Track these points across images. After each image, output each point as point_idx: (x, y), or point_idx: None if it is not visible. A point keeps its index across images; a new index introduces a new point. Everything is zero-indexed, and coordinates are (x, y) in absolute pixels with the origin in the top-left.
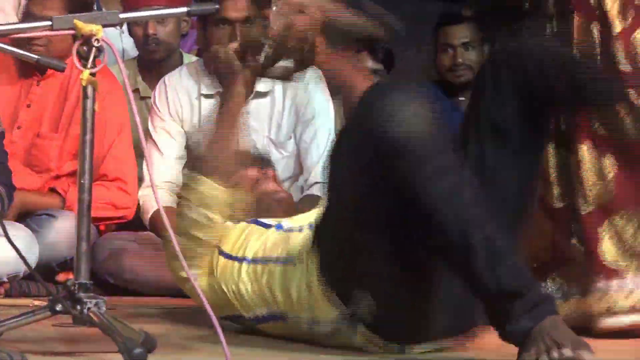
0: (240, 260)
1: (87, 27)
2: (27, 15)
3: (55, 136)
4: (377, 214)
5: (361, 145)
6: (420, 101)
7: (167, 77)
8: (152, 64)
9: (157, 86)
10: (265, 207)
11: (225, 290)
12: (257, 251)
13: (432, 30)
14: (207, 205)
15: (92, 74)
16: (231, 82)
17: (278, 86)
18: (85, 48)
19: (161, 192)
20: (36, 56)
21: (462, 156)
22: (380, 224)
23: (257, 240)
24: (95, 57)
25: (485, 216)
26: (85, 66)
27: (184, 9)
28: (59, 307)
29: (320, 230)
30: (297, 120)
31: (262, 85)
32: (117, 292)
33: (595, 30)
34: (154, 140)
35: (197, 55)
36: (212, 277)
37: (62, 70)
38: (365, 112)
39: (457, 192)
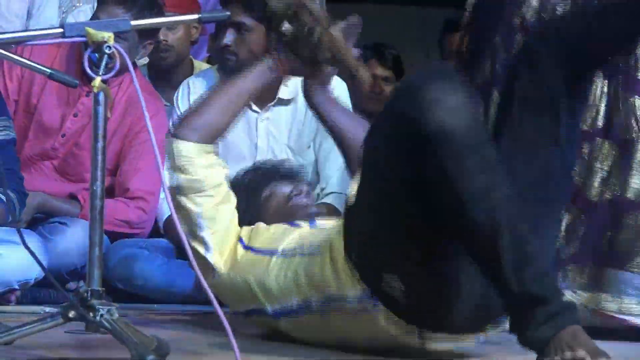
0: (271, 253)
1: (98, 34)
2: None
3: None
4: (409, 201)
5: (400, 129)
6: (465, 92)
7: (191, 80)
8: (163, 70)
9: (181, 88)
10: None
11: (251, 282)
12: (288, 243)
13: (439, 37)
14: (182, 168)
15: (104, 81)
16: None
17: (301, 95)
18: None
19: None
20: (48, 70)
21: (498, 152)
22: (411, 212)
23: (288, 235)
24: (107, 64)
25: (516, 218)
26: (97, 73)
27: (195, 16)
28: (71, 314)
29: (350, 212)
30: (318, 129)
31: (285, 92)
32: (127, 298)
33: None
34: None
35: (208, 62)
36: (234, 269)
37: (74, 86)
38: (409, 96)
39: (493, 190)
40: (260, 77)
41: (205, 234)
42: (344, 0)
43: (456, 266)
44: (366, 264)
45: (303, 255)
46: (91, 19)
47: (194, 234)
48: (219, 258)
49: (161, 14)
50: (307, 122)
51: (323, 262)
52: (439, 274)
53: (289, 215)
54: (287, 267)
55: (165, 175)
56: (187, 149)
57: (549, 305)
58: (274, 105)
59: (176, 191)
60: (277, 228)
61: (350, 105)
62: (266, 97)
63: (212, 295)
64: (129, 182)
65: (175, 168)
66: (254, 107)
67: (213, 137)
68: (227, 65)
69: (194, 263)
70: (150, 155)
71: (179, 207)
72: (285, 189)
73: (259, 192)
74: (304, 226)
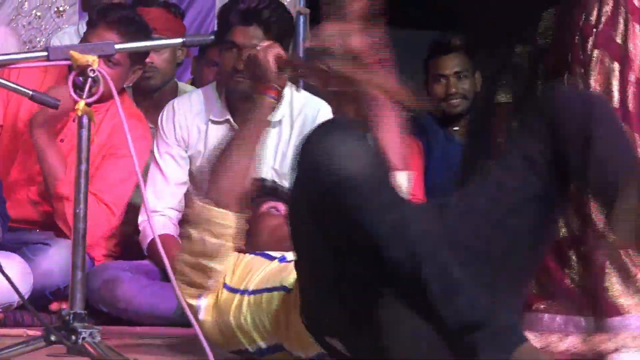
0: (242, 292)
1: (83, 58)
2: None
3: None
4: (336, 257)
5: (309, 188)
6: (359, 139)
7: (175, 101)
8: (148, 92)
9: (165, 110)
10: (267, 240)
11: (230, 323)
12: (258, 283)
13: (423, 61)
14: (217, 234)
15: (88, 104)
16: (255, 105)
17: (287, 117)
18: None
19: (164, 219)
20: (30, 92)
21: (398, 194)
22: (340, 268)
23: (259, 272)
24: (90, 88)
25: (437, 249)
26: (81, 96)
27: (179, 40)
28: (53, 337)
29: (297, 272)
30: None
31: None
32: (111, 321)
33: (617, 72)
34: (158, 165)
35: (192, 84)
36: (215, 310)
37: (55, 107)
38: (306, 155)
39: (405, 226)
40: (266, 115)
41: (210, 284)
42: None
43: (395, 315)
44: (314, 325)
45: (272, 292)
46: (81, 42)
47: (199, 281)
48: (209, 302)
49: (149, 38)
50: (292, 143)
51: (291, 307)
52: (377, 328)
53: (263, 236)
54: (258, 305)
55: (190, 233)
56: (225, 219)
57: (487, 328)
58: None
59: (199, 252)
60: (252, 260)
61: None
62: None
63: (193, 320)
64: (97, 189)
65: (206, 231)
66: None
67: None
68: (238, 89)
69: (177, 288)
70: (124, 171)
71: (199, 268)
72: (280, 207)
73: (256, 208)
74: (277, 259)
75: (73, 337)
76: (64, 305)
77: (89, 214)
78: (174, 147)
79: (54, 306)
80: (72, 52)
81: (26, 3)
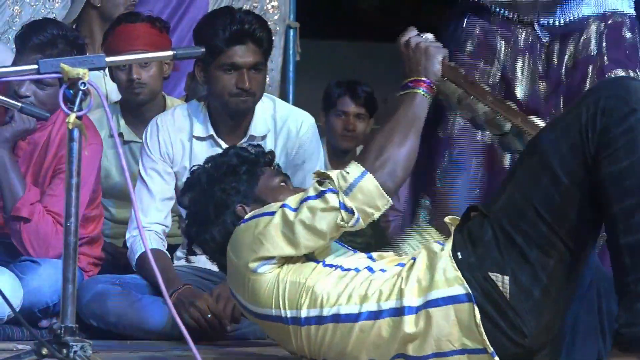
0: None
1: (73, 71)
2: None
3: None
4: (576, 193)
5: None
6: None
7: (159, 118)
8: (136, 107)
9: (149, 126)
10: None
11: (301, 283)
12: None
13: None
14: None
15: (79, 117)
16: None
17: (271, 132)
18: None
19: (150, 234)
20: (19, 104)
21: None
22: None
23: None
24: (81, 101)
25: None
26: (72, 109)
27: (170, 52)
28: (44, 351)
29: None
30: (287, 165)
31: (256, 129)
32: (101, 335)
33: None
34: (144, 181)
35: (185, 100)
36: (291, 269)
37: (45, 119)
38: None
39: None
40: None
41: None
42: (318, 38)
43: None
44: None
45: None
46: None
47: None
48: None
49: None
50: (277, 161)
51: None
52: (550, 283)
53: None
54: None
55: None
56: (384, 205)
57: None
58: (245, 142)
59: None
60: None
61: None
62: (237, 133)
63: (185, 332)
64: (52, 207)
65: (374, 208)
66: (224, 145)
67: None
68: (244, 106)
69: (169, 301)
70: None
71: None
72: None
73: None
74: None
75: (64, 351)
76: (55, 321)
77: (43, 232)
78: (159, 162)
79: (44, 324)
80: (62, 65)
81: (17, 17)
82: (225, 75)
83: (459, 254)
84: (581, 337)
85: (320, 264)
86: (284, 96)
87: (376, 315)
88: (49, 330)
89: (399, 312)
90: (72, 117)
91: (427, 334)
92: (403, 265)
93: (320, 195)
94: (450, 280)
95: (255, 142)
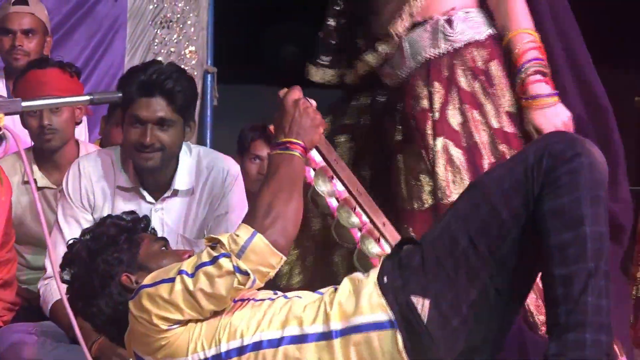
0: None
1: None
2: None
3: None
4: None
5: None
6: None
7: (81, 163)
8: (48, 153)
9: (70, 171)
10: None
11: (216, 323)
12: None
13: None
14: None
15: None
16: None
17: (198, 185)
18: None
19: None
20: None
21: None
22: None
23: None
24: None
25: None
26: None
27: (87, 97)
28: None
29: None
30: (211, 214)
31: (181, 183)
32: None
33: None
34: (60, 228)
35: (100, 145)
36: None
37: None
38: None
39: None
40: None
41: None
42: (236, 82)
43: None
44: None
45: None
46: None
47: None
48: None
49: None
50: (201, 209)
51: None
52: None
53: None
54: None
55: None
56: (278, 262)
57: None
58: (169, 197)
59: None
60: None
61: None
62: (162, 186)
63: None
64: None
65: (268, 267)
66: (148, 198)
67: None
68: (149, 163)
69: (85, 349)
70: None
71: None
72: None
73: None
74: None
75: None
76: None
77: None
78: (78, 210)
79: None
80: None
81: None
82: (132, 128)
83: (385, 278)
84: None
85: (231, 301)
86: (201, 141)
87: (300, 339)
88: None
89: (325, 336)
90: None
91: None
92: (322, 293)
93: (213, 261)
94: (374, 306)
95: (173, 194)
